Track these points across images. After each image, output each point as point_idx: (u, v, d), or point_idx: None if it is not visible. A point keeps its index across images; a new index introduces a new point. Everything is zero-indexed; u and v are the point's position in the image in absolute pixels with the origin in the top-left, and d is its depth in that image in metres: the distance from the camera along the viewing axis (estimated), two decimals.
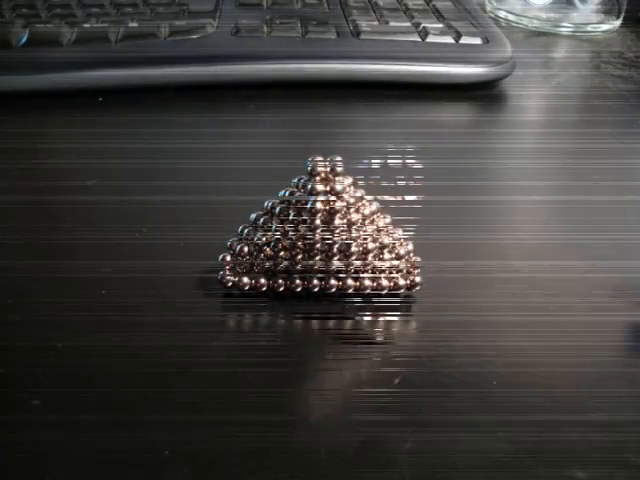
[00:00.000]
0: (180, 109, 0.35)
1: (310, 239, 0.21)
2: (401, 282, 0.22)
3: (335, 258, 0.21)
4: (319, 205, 0.21)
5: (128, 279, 0.23)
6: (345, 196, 0.21)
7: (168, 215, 0.27)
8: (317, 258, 0.21)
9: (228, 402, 0.19)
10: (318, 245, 0.21)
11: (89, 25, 0.37)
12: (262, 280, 0.22)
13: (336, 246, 0.21)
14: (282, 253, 0.22)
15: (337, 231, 0.21)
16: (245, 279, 0.22)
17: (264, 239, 0.22)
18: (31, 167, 0.30)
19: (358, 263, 0.22)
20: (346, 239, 0.21)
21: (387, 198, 0.23)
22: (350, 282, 0.22)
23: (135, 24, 0.38)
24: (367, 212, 0.22)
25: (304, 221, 0.21)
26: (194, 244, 0.25)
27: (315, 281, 0.22)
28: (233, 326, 0.22)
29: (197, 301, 0.23)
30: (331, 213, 0.21)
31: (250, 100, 0.36)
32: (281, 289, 0.22)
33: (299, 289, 0.22)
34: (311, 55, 0.37)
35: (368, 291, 0.22)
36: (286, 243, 0.22)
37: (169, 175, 0.29)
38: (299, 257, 0.22)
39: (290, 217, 0.22)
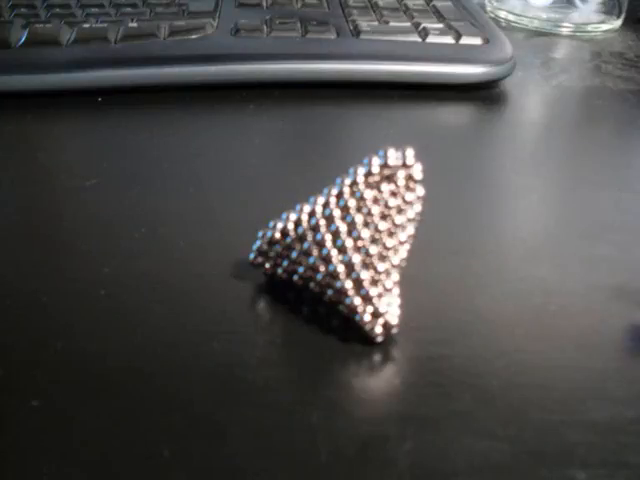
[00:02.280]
0: (179, 109, 0.35)
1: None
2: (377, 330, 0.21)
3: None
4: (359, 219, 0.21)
5: (127, 279, 0.23)
6: (408, 210, 0.21)
7: (167, 215, 0.27)
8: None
9: (228, 402, 0.19)
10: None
11: (88, 25, 0.37)
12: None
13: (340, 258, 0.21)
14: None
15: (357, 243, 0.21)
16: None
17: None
18: (30, 167, 0.30)
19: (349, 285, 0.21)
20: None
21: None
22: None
23: (135, 24, 0.38)
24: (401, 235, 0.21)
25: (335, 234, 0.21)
26: (194, 244, 0.25)
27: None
28: (230, 327, 0.22)
29: (197, 299, 0.23)
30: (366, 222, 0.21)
31: (249, 100, 0.36)
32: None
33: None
34: (311, 55, 0.37)
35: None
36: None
37: (169, 175, 0.29)
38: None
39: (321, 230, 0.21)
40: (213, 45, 0.37)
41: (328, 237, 0.21)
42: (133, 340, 0.21)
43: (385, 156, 0.21)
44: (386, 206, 0.21)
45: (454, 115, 0.36)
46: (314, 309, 0.22)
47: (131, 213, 0.27)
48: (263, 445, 0.18)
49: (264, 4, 0.43)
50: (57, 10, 0.39)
